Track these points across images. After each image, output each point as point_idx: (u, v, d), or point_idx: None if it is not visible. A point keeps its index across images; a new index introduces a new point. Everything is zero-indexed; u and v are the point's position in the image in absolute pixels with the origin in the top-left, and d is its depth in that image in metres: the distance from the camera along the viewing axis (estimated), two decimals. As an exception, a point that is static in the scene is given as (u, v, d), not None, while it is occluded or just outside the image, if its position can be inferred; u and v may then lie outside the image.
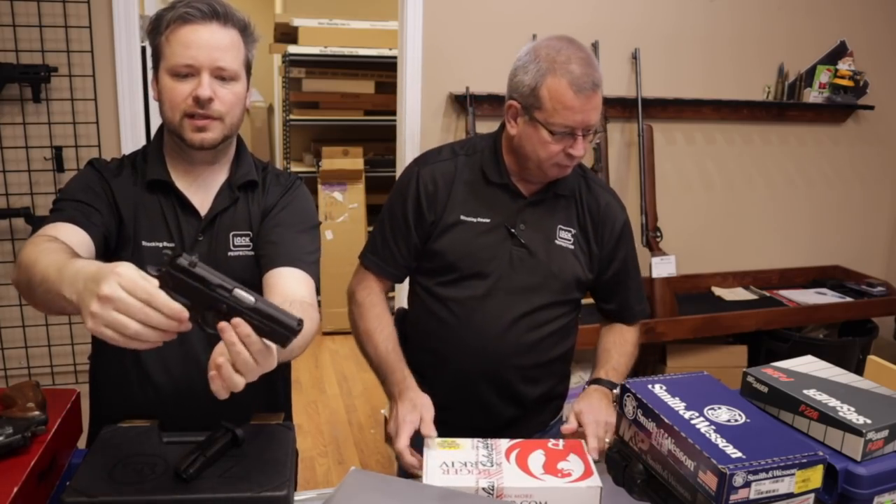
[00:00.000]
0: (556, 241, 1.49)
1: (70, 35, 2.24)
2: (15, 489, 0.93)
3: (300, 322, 0.88)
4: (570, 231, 1.51)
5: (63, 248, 1.05)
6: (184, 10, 1.21)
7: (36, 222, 2.28)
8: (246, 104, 1.31)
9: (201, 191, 1.33)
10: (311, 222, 1.37)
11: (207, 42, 1.21)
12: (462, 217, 1.46)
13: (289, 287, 1.21)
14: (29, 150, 2.28)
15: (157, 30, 1.24)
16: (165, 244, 1.28)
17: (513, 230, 1.46)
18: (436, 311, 1.49)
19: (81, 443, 1.23)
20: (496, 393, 1.51)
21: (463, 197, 1.47)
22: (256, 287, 1.26)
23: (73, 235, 1.16)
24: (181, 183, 1.31)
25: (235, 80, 1.25)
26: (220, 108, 1.23)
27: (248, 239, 1.33)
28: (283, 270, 1.25)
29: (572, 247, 1.50)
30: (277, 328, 0.87)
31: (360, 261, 1.57)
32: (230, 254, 1.32)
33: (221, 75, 1.23)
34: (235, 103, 1.26)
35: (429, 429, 1.29)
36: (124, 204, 1.28)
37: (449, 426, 1.41)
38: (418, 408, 1.34)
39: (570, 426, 1.36)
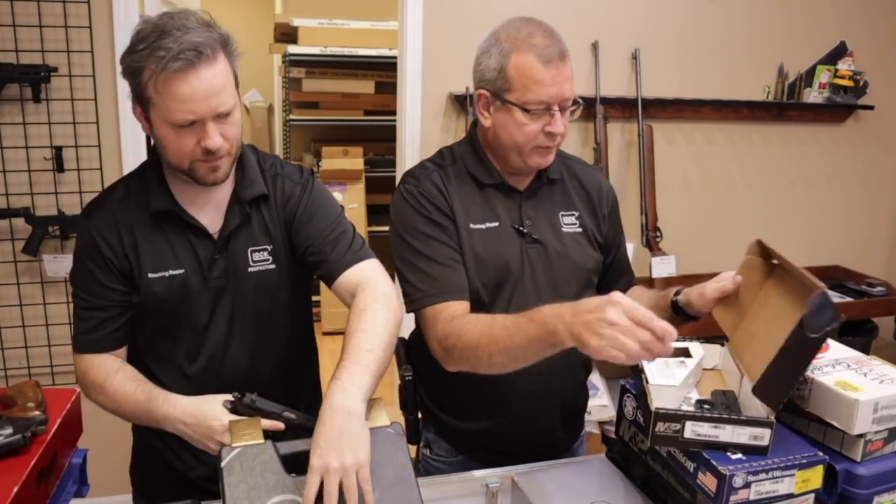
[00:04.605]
0: (563, 229, 1.45)
1: (70, 35, 2.24)
2: (15, 489, 0.93)
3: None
4: (573, 214, 1.47)
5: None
6: (169, 63, 1.11)
7: (36, 222, 2.28)
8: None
9: (210, 210, 1.31)
10: (337, 211, 1.38)
11: (205, 92, 1.15)
12: (471, 226, 1.39)
13: (365, 279, 1.28)
14: (29, 150, 2.28)
15: (137, 74, 1.16)
16: (172, 272, 1.28)
17: (521, 228, 1.41)
18: None
19: (82, 443, 1.22)
20: (545, 406, 1.45)
21: (463, 206, 1.40)
22: (284, 294, 1.36)
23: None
24: (189, 207, 1.29)
25: (234, 110, 1.21)
26: (228, 146, 1.22)
27: (266, 252, 1.33)
28: (349, 273, 1.31)
29: (579, 230, 1.47)
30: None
31: (421, 312, 1.36)
32: (250, 270, 1.32)
33: (221, 114, 1.19)
34: (238, 131, 1.25)
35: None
36: (129, 245, 1.26)
37: (499, 452, 1.39)
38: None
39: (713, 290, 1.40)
